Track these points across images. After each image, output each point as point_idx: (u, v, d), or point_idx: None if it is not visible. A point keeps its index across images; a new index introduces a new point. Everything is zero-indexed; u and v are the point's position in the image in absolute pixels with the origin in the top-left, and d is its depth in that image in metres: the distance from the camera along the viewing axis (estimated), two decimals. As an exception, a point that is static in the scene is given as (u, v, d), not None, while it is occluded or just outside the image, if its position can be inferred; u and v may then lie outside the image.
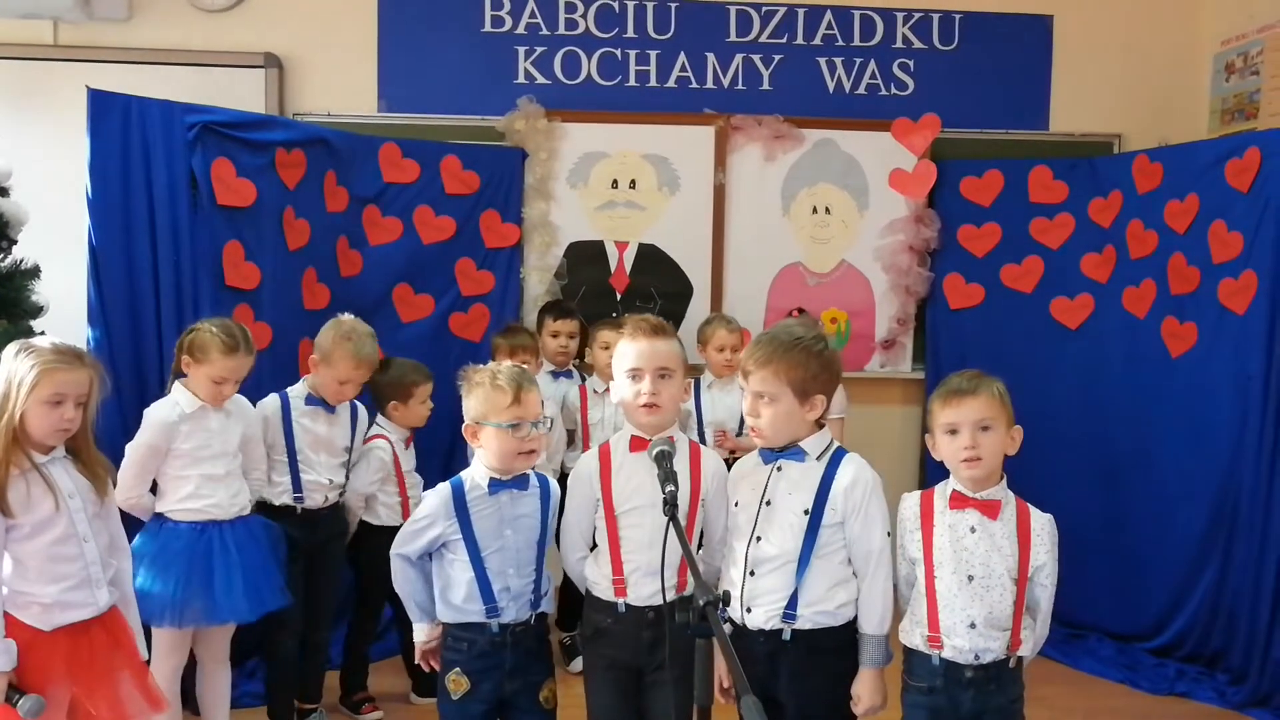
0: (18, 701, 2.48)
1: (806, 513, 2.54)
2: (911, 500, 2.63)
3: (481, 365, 2.79)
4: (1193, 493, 4.57)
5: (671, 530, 2.17)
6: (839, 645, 2.58)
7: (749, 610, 2.54)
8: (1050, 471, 5.07)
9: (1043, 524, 2.57)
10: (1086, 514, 4.99)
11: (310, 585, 3.78)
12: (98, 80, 3.90)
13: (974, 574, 2.51)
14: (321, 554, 3.80)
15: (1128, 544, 4.88)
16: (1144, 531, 4.81)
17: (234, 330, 3.35)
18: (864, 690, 2.57)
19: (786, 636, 2.53)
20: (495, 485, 2.69)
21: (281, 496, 3.69)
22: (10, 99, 4.89)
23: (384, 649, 4.53)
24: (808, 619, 2.53)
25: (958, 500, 2.57)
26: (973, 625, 2.50)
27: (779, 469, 2.59)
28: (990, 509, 2.55)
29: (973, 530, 2.54)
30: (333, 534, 3.84)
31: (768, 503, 2.56)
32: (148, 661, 2.93)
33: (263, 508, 3.66)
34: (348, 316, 3.80)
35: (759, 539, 2.54)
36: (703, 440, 4.54)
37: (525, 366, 4.15)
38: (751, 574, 2.54)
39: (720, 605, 1.83)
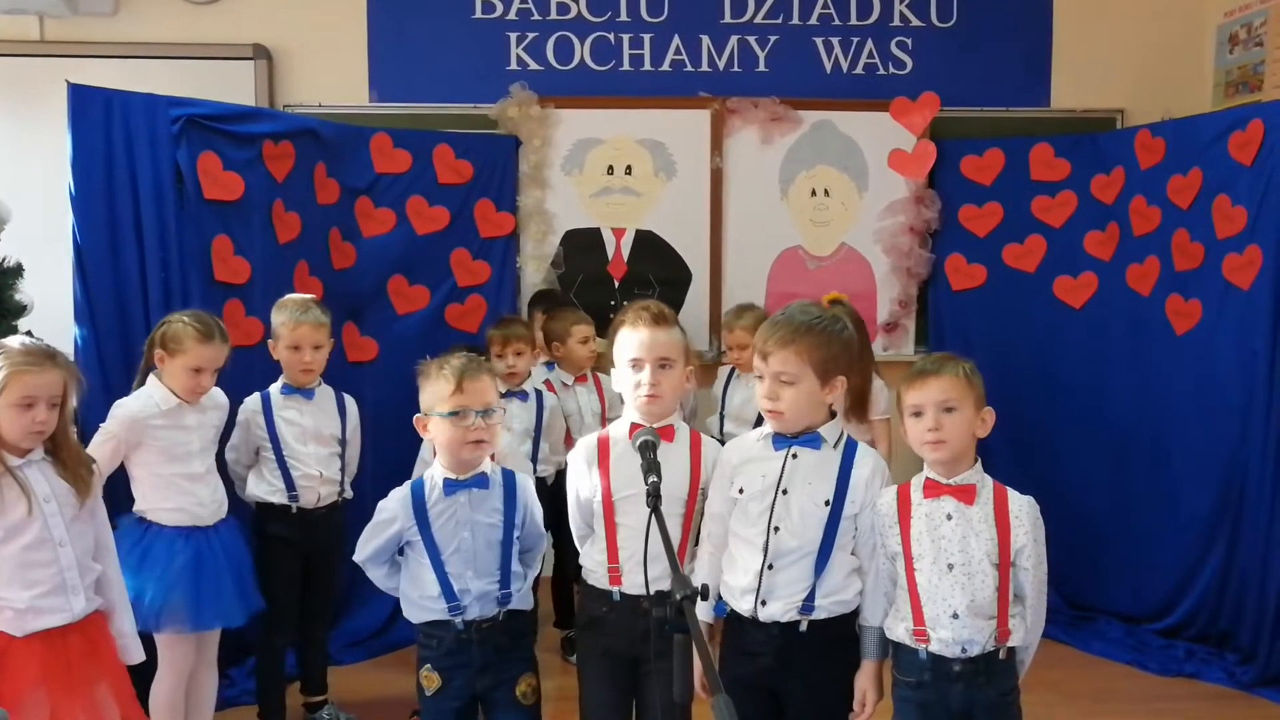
0: None
1: (827, 504, 2.49)
2: (888, 495, 2.55)
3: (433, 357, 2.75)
4: (1200, 471, 4.51)
5: (654, 522, 2.12)
6: (852, 634, 2.57)
7: (764, 603, 2.49)
8: (1056, 453, 5.06)
9: (1021, 505, 2.49)
10: (1093, 495, 4.96)
11: (308, 585, 3.76)
12: (85, 75, 3.84)
13: (953, 562, 2.45)
14: (321, 553, 3.76)
15: (1135, 524, 4.83)
16: (1151, 511, 4.76)
17: (206, 318, 3.31)
18: (869, 683, 2.55)
19: (803, 628, 2.49)
20: (450, 486, 2.66)
21: (276, 495, 3.65)
22: (-2, 96, 4.86)
23: (391, 641, 4.53)
24: (825, 609, 2.50)
25: (932, 488, 2.51)
26: (955, 615, 2.43)
27: (794, 456, 2.52)
28: (965, 494, 2.48)
29: (949, 517, 2.47)
30: (331, 534, 3.78)
31: (784, 491, 2.50)
32: (146, 664, 2.90)
33: (261, 506, 3.65)
34: (286, 296, 3.78)
35: (777, 529, 2.48)
36: (721, 428, 4.54)
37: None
38: (770, 567, 2.48)
39: (697, 599, 1.78)
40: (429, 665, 2.67)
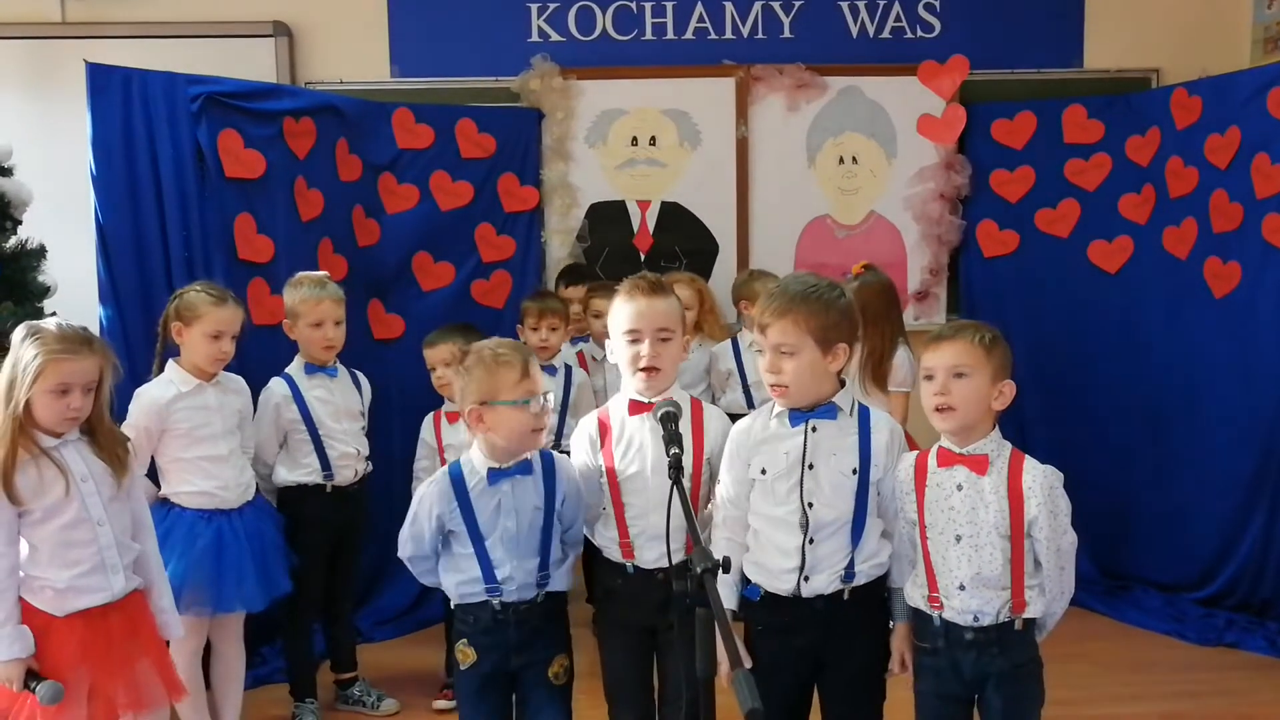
0: (35, 687, 2.46)
1: (855, 472, 2.47)
2: (907, 461, 2.52)
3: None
4: (1239, 437, 4.42)
5: (676, 493, 2.09)
6: (885, 596, 2.58)
7: (807, 579, 2.46)
8: (1092, 420, 4.99)
9: (1036, 475, 2.42)
10: (1131, 462, 4.89)
11: (336, 561, 3.76)
12: (107, 56, 3.85)
13: (961, 533, 2.41)
14: (350, 528, 3.77)
15: (1173, 492, 4.74)
16: (1190, 478, 4.67)
17: (218, 285, 3.35)
18: (904, 644, 2.55)
19: (846, 596, 2.47)
20: (495, 475, 2.59)
21: (311, 476, 3.62)
22: (21, 79, 4.84)
23: (421, 619, 4.53)
24: (864, 573, 2.49)
25: (945, 457, 2.46)
26: (961, 587, 2.40)
27: (814, 429, 2.48)
28: (978, 464, 2.43)
29: (960, 488, 2.43)
30: (360, 509, 3.80)
31: (810, 466, 2.46)
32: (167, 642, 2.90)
33: (291, 489, 3.62)
34: (298, 274, 3.74)
35: (811, 505, 2.45)
36: (750, 403, 4.43)
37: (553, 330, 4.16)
38: (811, 542, 2.45)
39: (718, 571, 1.75)
40: (465, 640, 2.66)
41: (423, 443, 3.89)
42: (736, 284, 4.81)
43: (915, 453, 2.53)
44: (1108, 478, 4.83)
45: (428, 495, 2.62)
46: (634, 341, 2.60)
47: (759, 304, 2.54)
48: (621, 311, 2.62)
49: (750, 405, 4.37)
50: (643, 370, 2.59)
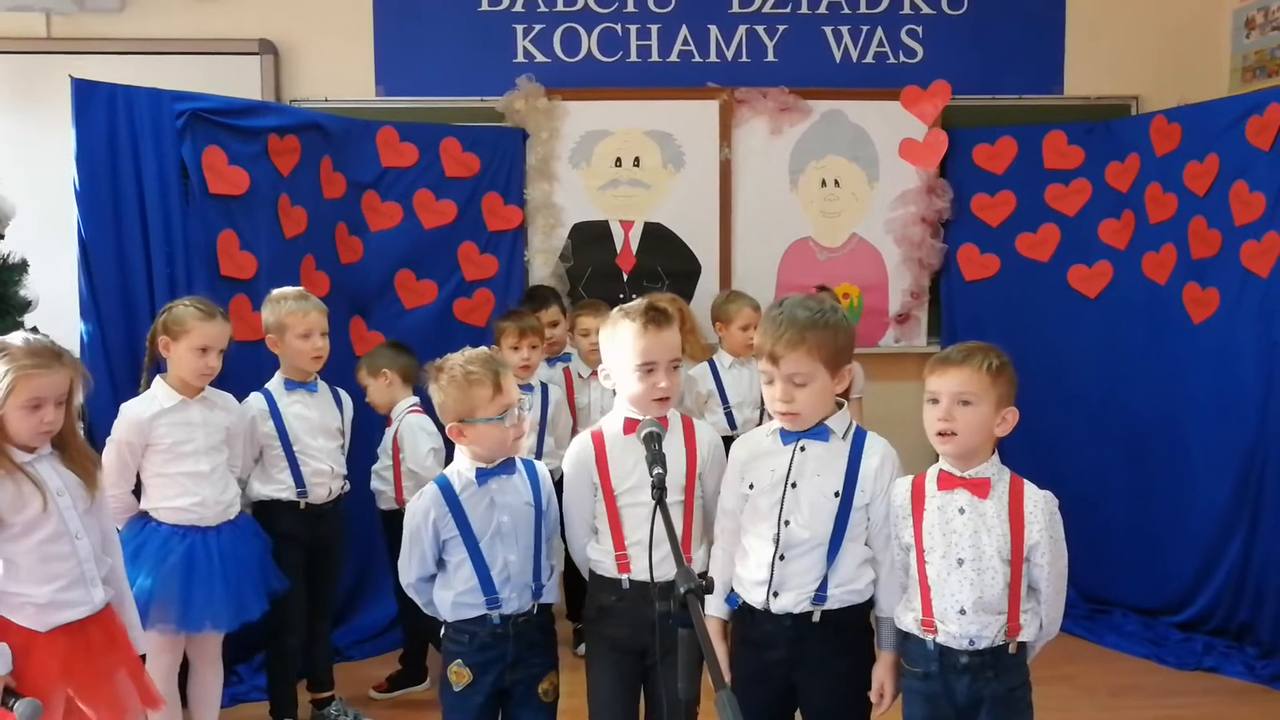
0: (13, 705, 2.43)
1: (837, 495, 2.47)
2: (903, 485, 2.51)
3: (440, 359, 2.69)
4: (1218, 462, 4.45)
5: (659, 514, 2.09)
6: (865, 623, 2.56)
7: (775, 594, 2.47)
8: (1072, 444, 5.00)
9: (1036, 501, 2.43)
10: (1109, 487, 4.91)
11: (312, 579, 3.73)
12: (92, 72, 3.85)
13: (964, 557, 2.40)
14: (325, 549, 3.74)
15: (1152, 516, 4.77)
16: (1169, 503, 4.69)
17: (207, 301, 3.34)
18: (887, 674, 2.53)
19: (816, 618, 2.47)
20: (483, 475, 2.63)
21: (284, 492, 3.61)
22: (5, 93, 4.85)
23: (398, 638, 4.50)
24: (837, 599, 2.48)
25: (946, 480, 2.46)
26: (962, 611, 2.39)
27: (802, 449, 2.50)
28: (980, 488, 2.43)
29: (961, 511, 2.43)
30: (335, 527, 3.77)
31: (793, 485, 2.48)
32: (144, 656, 2.88)
33: (265, 504, 3.61)
34: (275, 290, 3.72)
35: (788, 523, 2.46)
36: (731, 423, 4.45)
37: (535, 347, 4.15)
38: (781, 558, 2.47)
39: (702, 592, 1.75)
40: (459, 661, 2.63)
41: (383, 450, 4.02)
42: (715, 304, 4.80)
43: (910, 478, 2.53)
44: (1086, 501, 4.82)
45: (419, 508, 2.64)
46: (649, 373, 2.59)
47: (763, 333, 2.52)
48: (634, 344, 2.59)
49: (733, 427, 4.38)
50: (659, 400, 2.60)
